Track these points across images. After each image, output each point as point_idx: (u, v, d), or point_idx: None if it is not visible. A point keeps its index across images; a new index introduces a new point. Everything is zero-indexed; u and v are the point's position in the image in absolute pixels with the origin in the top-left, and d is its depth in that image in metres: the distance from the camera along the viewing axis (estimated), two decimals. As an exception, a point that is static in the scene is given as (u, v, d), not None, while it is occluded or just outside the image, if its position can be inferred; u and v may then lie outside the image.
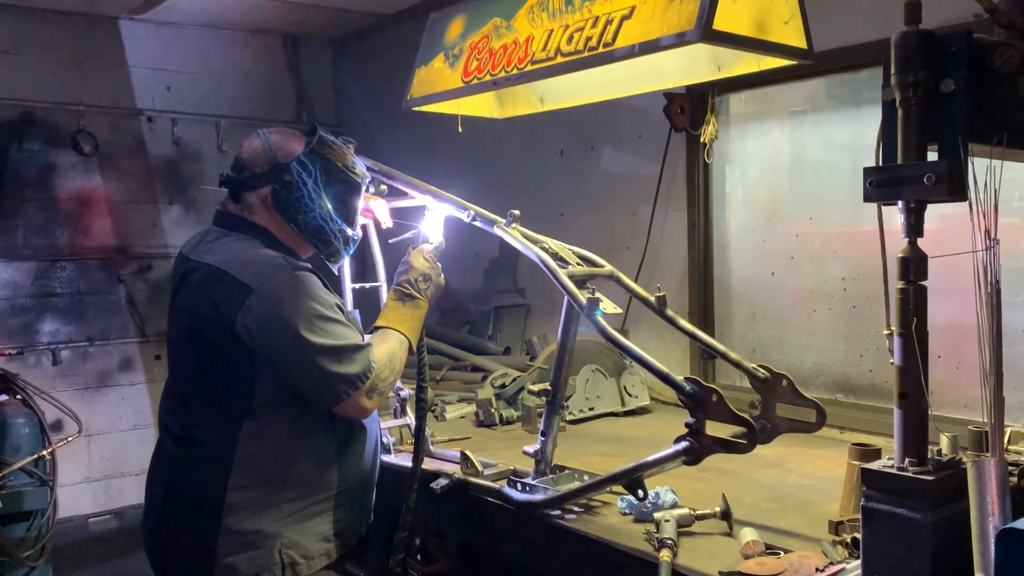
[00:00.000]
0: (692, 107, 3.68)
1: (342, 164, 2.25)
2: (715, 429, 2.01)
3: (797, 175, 3.48)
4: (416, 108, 3.09)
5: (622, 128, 4.09)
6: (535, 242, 2.50)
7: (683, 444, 2.01)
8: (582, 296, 2.23)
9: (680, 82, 2.72)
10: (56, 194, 5.19)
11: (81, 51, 5.24)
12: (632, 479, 2.12)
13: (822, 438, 2.98)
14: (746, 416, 1.93)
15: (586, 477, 2.50)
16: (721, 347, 2.33)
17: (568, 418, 3.51)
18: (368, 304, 3.02)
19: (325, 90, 6.21)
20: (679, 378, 2.01)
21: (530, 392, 2.52)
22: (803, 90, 3.42)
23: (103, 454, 5.34)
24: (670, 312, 2.40)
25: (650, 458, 2.09)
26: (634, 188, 4.05)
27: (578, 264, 2.45)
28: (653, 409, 3.78)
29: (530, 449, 2.51)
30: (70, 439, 4.32)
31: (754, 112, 3.60)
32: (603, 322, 2.17)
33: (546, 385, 2.50)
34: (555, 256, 2.44)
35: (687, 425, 2.00)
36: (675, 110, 3.66)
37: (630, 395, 3.77)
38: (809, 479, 2.70)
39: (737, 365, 2.29)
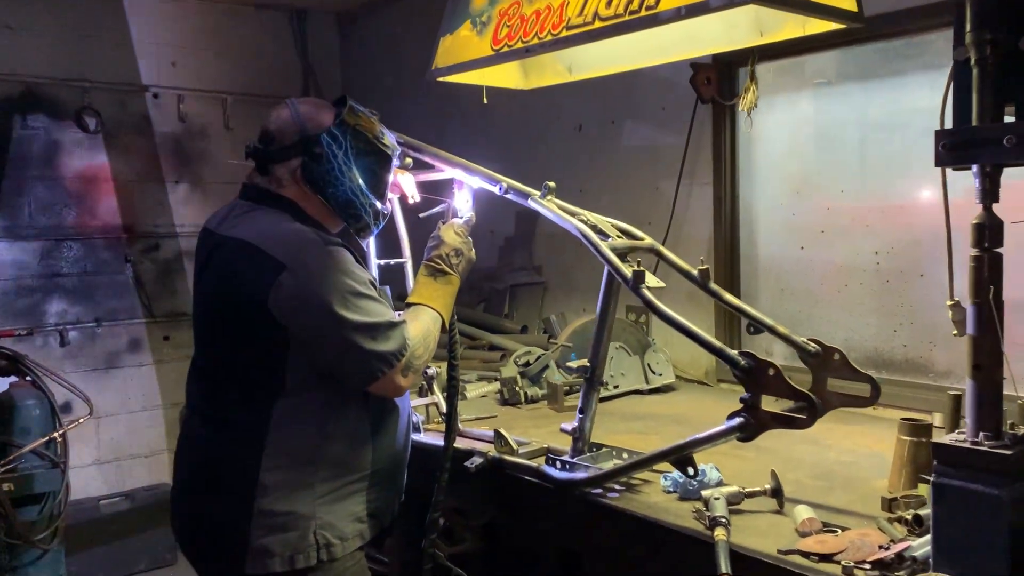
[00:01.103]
0: (719, 77, 3.60)
1: (372, 135, 2.19)
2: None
3: (828, 147, 3.40)
4: (441, 79, 3.00)
5: (644, 100, 4.00)
6: (572, 215, 2.43)
7: (738, 420, 1.94)
8: (627, 269, 2.15)
9: (718, 48, 2.64)
10: (61, 172, 5.09)
11: (84, 25, 5.12)
12: (682, 456, 2.05)
13: (856, 414, 2.93)
14: (804, 391, 1.86)
15: (625, 455, 2.44)
16: (768, 320, 2.26)
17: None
18: (394, 281, 2.96)
19: (332, 66, 6.10)
20: (733, 352, 1.94)
21: (567, 369, 2.45)
22: (834, 59, 3.33)
23: (113, 436, 5.27)
24: (714, 286, 2.33)
25: (702, 434, 2.03)
26: (657, 162, 3.97)
27: (618, 236, 2.37)
28: (678, 387, 3.72)
29: (568, 427, 2.44)
30: (81, 420, 4.26)
31: (782, 83, 3.51)
32: (651, 295, 2.10)
33: (584, 362, 2.43)
34: (594, 228, 2.36)
35: (742, 400, 1.93)
36: (702, 80, 3.58)
37: (654, 373, 3.70)
38: (849, 455, 2.65)
39: (786, 339, 2.23)
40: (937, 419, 2.74)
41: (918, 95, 3.05)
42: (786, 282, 3.57)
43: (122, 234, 5.31)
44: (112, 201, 5.28)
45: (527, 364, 3.52)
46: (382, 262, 2.99)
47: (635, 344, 3.78)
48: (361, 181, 2.16)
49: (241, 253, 1.99)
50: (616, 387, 3.58)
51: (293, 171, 2.11)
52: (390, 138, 2.28)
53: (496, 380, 3.79)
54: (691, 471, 2.06)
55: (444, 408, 2.96)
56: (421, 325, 2.17)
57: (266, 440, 1.98)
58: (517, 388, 3.40)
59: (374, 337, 1.97)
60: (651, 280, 2.17)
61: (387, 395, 2.11)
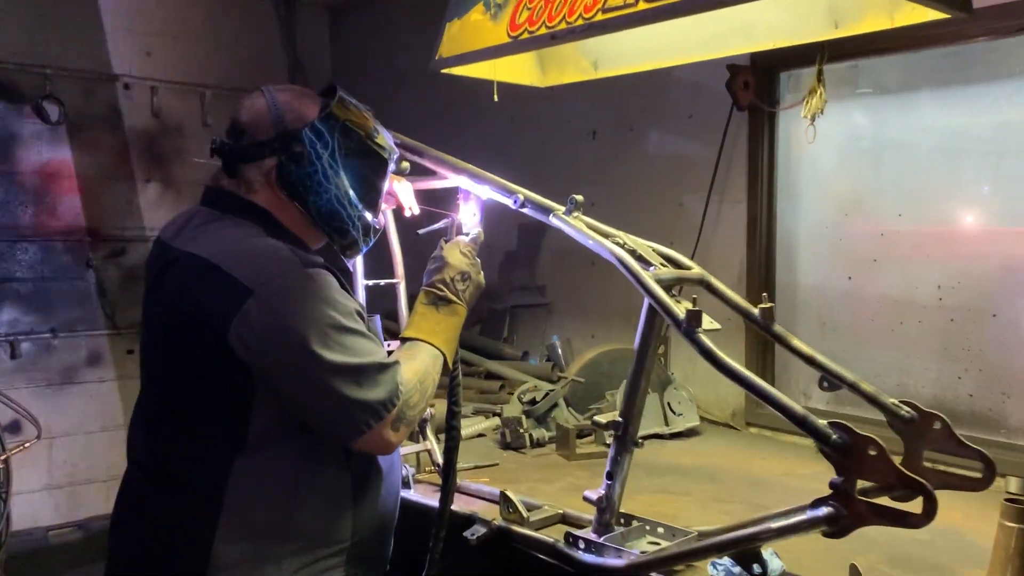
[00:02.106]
0: (758, 82, 3.18)
1: (365, 133, 1.79)
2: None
3: (884, 164, 2.99)
4: (445, 71, 2.57)
5: (669, 106, 3.58)
6: (606, 236, 2.00)
7: (825, 510, 1.51)
8: (678, 308, 1.72)
9: (780, 43, 2.22)
10: (17, 167, 4.62)
11: (48, 7, 4.66)
12: (747, 550, 1.61)
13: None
14: (919, 479, 1.42)
15: (660, 530, 2.01)
16: (849, 374, 1.83)
17: (609, 442, 3.00)
18: (384, 307, 2.53)
19: (321, 61, 5.65)
20: (821, 423, 1.51)
21: (595, 423, 2.01)
22: (892, 64, 2.92)
23: (67, 459, 4.78)
24: (778, 329, 1.90)
25: (774, 523, 1.60)
26: (681, 175, 3.55)
27: (662, 265, 1.94)
28: (702, 430, 3.29)
29: (592, 495, 2.00)
30: (27, 445, 3.81)
31: (832, 91, 3.10)
32: (709, 342, 1.66)
33: (615, 415, 1.99)
34: (633, 254, 1.93)
35: (833, 486, 1.50)
36: (739, 85, 3.16)
37: (675, 413, 3.28)
38: (925, 532, 2.21)
39: (872, 400, 1.80)
40: (1013, 484, 2.35)
41: (996, 108, 2.64)
42: (829, 316, 3.15)
43: (85, 236, 4.83)
44: (75, 200, 4.81)
45: (532, 402, 3.09)
46: (371, 283, 2.56)
47: (654, 380, 3.34)
48: (350, 188, 1.77)
49: (198, 273, 1.61)
50: (593, 416, 3.13)
51: (267, 173, 1.72)
52: (386, 138, 1.87)
53: (494, 415, 3.35)
54: (757, 568, 1.63)
55: (438, 458, 2.53)
56: (417, 366, 1.76)
57: (223, 504, 1.60)
58: (521, 431, 2.96)
59: (359, 382, 1.58)
60: (706, 321, 1.74)
61: (374, 452, 1.73)
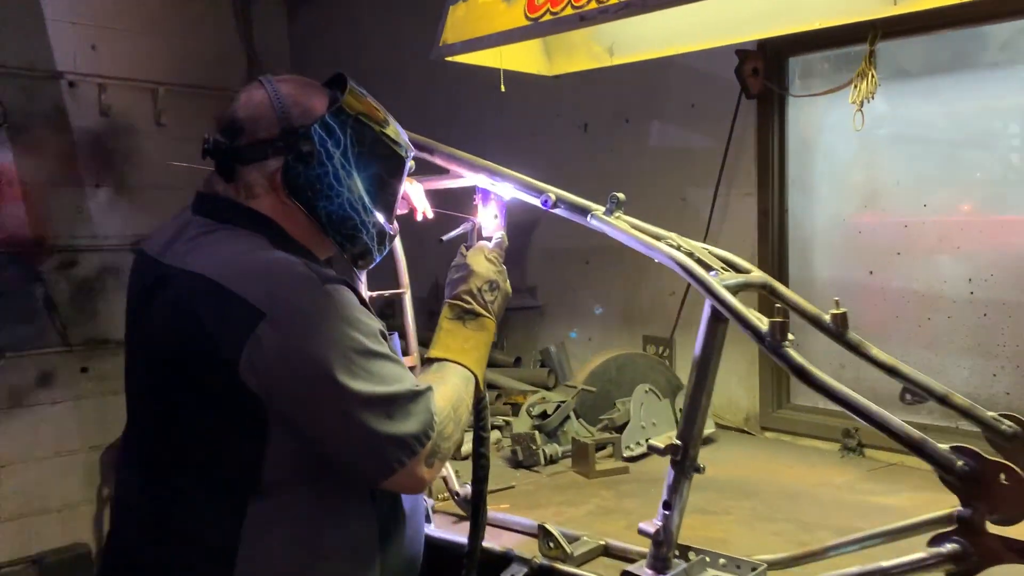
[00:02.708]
0: (767, 68, 3.01)
1: (380, 129, 1.57)
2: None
3: (906, 152, 2.84)
4: (451, 59, 2.33)
5: (669, 95, 3.39)
6: (656, 238, 1.79)
7: (949, 546, 1.33)
8: (760, 320, 1.52)
9: (828, 21, 2.04)
10: (-47, 173, 4.23)
11: (-19, -2, 4.28)
12: (854, 594, 1.43)
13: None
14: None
15: (722, 561, 1.81)
16: (939, 387, 1.65)
17: (626, 454, 2.81)
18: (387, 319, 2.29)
19: (280, 54, 5.33)
20: (943, 448, 1.33)
21: (652, 448, 1.80)
22: (913, 47, 2.76)
23: (17, 488, 4.40)
24: (853, 336, 1.72)
25: (887, 563, 1.40)
26: (684, 168, 3.36)
27: (723, 269, 1.74)
28: (717, 437, 3.11)
29: (649, 527, 1.79)
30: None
31: (845, 77, 2.94)
32: (799, 358, 1.47)
33: (671, 437, 1.79)
34: (691, 258, 1.73)
35: (959, 518, 1.32)
36: (748, 71, 2.98)
37: (688, 420, 3.08)
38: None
39: (966, 414, 1.63)
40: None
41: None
42: (850, 314, 2.95)
43: (31, 247, 4.45)
44: (18, 208, 4.42)
45: (543, 415, 2.87)
46: (374, 294, 2.31)
47: (664, 385, 3.16)
48: (364, 191, 1.56)
49: (199, 294, 1.38)
50: (648, 440, 2.94)
51: (270, 176, 1.50)
52: (400, 132, 1.65)
53: (494, 428, 3.13)
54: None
55: (456, 485, 2.30)
56: (450, 391, 1.56)
57: (236, 559, 1.38)
58: (534, 447, 2.74)
59: (390, 414, 1.38)
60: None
61: (405, 491, 1.53)
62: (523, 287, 4.02)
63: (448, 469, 2.33)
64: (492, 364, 3.81)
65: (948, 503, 2.37)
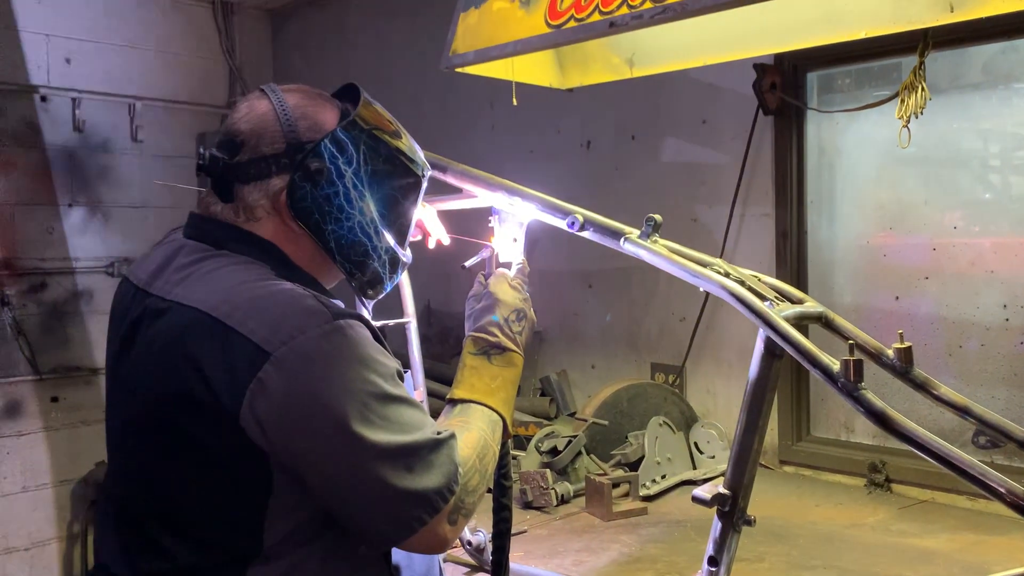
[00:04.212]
0: (785, 82, 2.87)
1: (395, 146, 1.40)
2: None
3: (934, 171, 2.70)
4: (461, 70, 2.16)
5: (678, 112, 3.24)
6: (701, 264, 1.62)
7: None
8: (831, 359, 1.35)
9: (875, 30, 1.88)
10: (-83, 192, 4.00)
11: (-50, 8, 4.07)
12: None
13: (991, 516, 2.25)
14: None
15: (773, 624, 1.63)
16: (1019, 430, 1.49)
17: (643, 493, 2.63)
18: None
19: (263, 68, 5.15)
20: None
21: (697, 499, 1.62)
22: (941, 61, 2.63)
23: (-17, 526, 4.16)
24: (919, 373, 1.55)
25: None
26: (695, 187, 3.21)
27: (777, 299, 1.57)
28: (734, 472, 2.93)
29: (694, 586, 1.61)
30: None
31: (868, 92, 2.82)
32: (879, 402, 1.30)
33: (718, 486, 1.61)
34: (743, 286, 1.56)
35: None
36: (767, 86, 2.84)
37: (702, 454, 2.93)
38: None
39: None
40: None
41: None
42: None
43: (-2, 270, 4.23)
44: (-15, 229, 4.20)
45: (554, 451, 2.68)
46: (378, 324, 2.12)
47: (678, 417, 2.99)
48: (376, 214, 1.39)
49: (194, 331, 1.21)
50: (663, 477, 2.77)
51: (274, 196, 1.32)
52: (416, 149, 1.47)
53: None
54: None
55: (466, 534, 2.11)
56: (475, 438, 1.38)
57: None
58: (545, 487, 2.55)
59: (410, 467, 1.20)
60: (856, 372, 1.37)
61: (425, 552, 1.33)
62: (522, 312, 3.84)
63: (459, 516, 2.14)
64: (490, 393, 3.63)
65: (994, 547, 2.23)
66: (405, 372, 1.73)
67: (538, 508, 2.57)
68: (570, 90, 2.47)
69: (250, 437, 1.15)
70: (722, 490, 1.60)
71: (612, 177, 3.46)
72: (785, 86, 2.87)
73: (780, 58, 2.86)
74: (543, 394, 3.61)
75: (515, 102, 2.28)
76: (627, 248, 1.68)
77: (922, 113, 2.05)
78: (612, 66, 2.30)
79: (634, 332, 3.43)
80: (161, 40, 4.75)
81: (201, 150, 1.37)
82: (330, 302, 1.25)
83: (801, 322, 1.56)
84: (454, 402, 1.46)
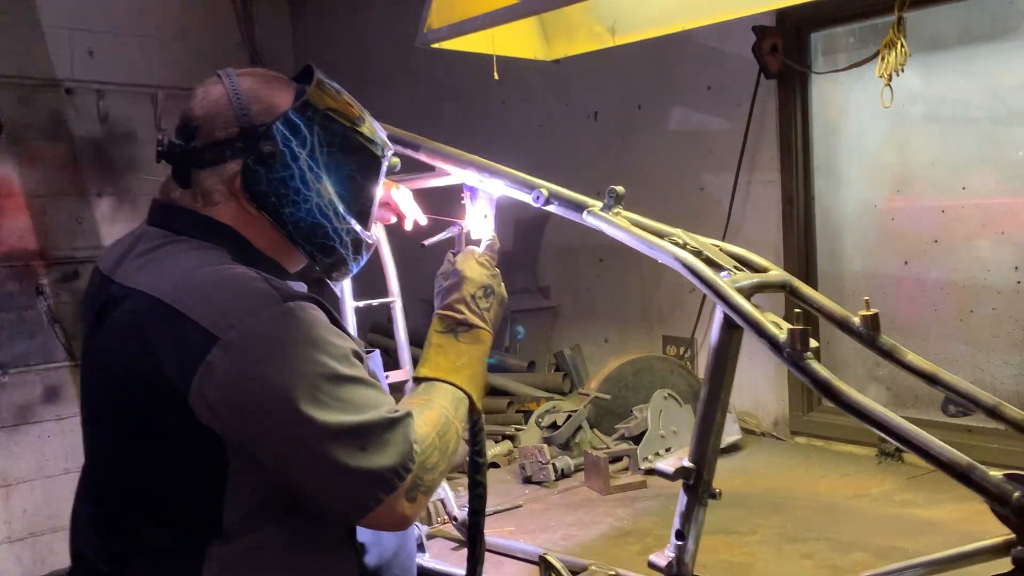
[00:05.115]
0: (787, 44, 2.79)
1: (351, 125, 1.39)
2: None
3: (941, 130, 2.60)
4: (436, 45, 2.14)
5: (683, 78, 3.18)
6: (659, 235, 1.59)
7: (1007, 593, 1.11)
8: (777, 328, 1.32)
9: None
10: (-51, 187, 4.14)
11: (-26, 5, 4.18)
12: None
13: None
14: None
15: (745, 597, 1.61)
16: (988, 397, 1.43)
17: (644, 467, 2.61)
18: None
19: (284, 54, 5.19)
20: (995, 475, 1.12)
21: (659, 472, 1.61)
22: (948, 15, 2.53)
23: (27, 507, 4.31)
24: (886, 340, 1.51)
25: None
26: (701, 156, 3.15)
27: (736, 269, 1.53)
28: (744, 443, 2.90)
29: (660, 560, 1.60)
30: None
31: (871, 51, 2.71)
32: (824, 372, 1.27)
33: (683, 458, 1.59)
34: (699, 256, 1.53)
35: (1017, 560, 1.11)
36: (766, 49, 2.77)
37: (712, 426, 2.87)
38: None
39: (1020, 427, 1.41)
40: None
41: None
42: (884, 308, 2.68)
43: (32, 260, 4.35)
44: (18, 220, 4.33)
45: (554, 426, 2.68)
46: (361, 304, 2.14)
47: (685, 389, 2.96)
48: (335, 195, 1.38)
49: (148, 316, 1.23)
50: (667, 450, 2.74)
51: (229, 181, 1.33)
52: (377, 130, 1.45)
53: (504, 438, 2.96)
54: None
55: (455, 509, 2.12)
56: (436, 416, 1.36)
57: None
58: (544, 462, 2.55)
59: (364, 446, 1.20)
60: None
61: (385, 530, 1.34)
62: (535, 288, 3.83)
63: (447, 491, 2.15)
64: (504, 369, 3.63)
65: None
66: (371, 352, 1.75)
67: (537, 483, 2.57)
68: (556, 61, 2.43)
69: (201, 419, 1.17)
70: (686, 463, 1.57)
71: (619, 147, 3.42)
72: (787, 48, 2.79)
73: (782, 19, 2.78)
74: (557, 369, 3.61)
75: (496, 76, 2.26)
76: (589, 220, 1.66)
77: (903, 70, 1.96)
78: (594, 34, 2.26)
79: (646, 305, 3.39)
80: (181, 29, 4.81)
81: (160, 136, 1.39)
82: (283, 285, 1.26)
83: (761, 291, 1.52)
84: (418, 381, 1.46)
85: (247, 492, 1.22)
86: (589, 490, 2.51)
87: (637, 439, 2.72)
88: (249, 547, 1.23)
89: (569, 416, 2.66)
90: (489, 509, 2.32)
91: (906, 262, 2.69)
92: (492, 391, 3.47)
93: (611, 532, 2.19)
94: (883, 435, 1.21)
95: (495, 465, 2.81)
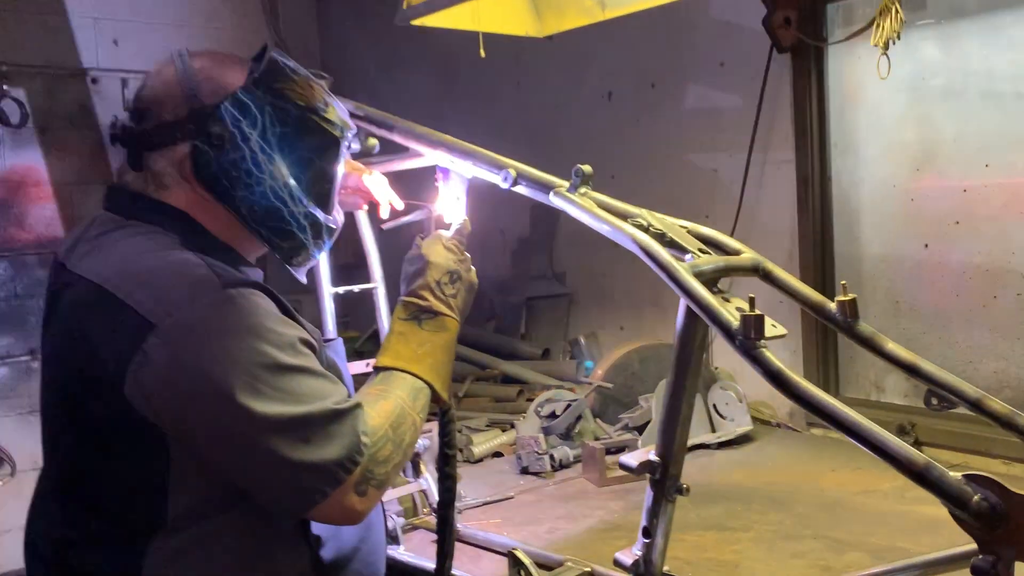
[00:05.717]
0: (801, 16, 2.65)
1: (306, 104, 1.35)
2: None
3: (964, 105, 2.45)
4: (415, 22, 2.08)
5: (696, 56, 3.06)
6: (623, 217, 1.51)
7: (967, 607, 1.01)
8: (727, 311, 1.23)
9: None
10: (-26, 176, 4.21)
11: (-2, -5, 4.23)
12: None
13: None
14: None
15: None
16: (972, 389, 1.32)
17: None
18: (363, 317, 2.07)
19: (309, 38, 5.17)
20: (953, 477, 1.02)
21: (623, 466, 1.53)
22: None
23: (58, 490, 4.40)
24: (864, 328, 1.40)
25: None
26: (714, 136, 3.04)
27: (701, 252, 1.44)
28: (756, 435, 2.79)
29: (626, 558, 1.52)
30: (2, 482, 3.44)
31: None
32: (774, 360, 1.17)
33: (649, 453, 1.51)
34: (661, 238, 1.44)
35: (976, 570, 1.00)
36: (779, 21, 2.64)
37: (723, 417, 2.78)
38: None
39: (1006, 424, 1.29)
40: None
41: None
42: (902, 293, 2.62)
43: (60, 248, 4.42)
44: (46, 208, 4.39)
45: (552, 416, 2.60)
46: (341, 290, 2.09)
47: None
48: (290, 177, 1.33)
49: (88, 304, 1.21)
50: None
51: (179, 163, 1.30)
52: (338, 110, 1.40)
53: (513, 427, 2.89)
54: None
55: (434, 497, 2.06)
56: (390, 407, 1.29)
57: None
58: (540, 452, 2.47)
59: (307, 439, 1.16)
60: (769, 327, 1.24)
61: (337, 523, 1.29)
62: (551, 274, 3.75)
63: (430, 482, 2.09)
64: (517, 356, 3.56)
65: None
66: (334, 340, 1.70)
67: (534, 473, 2.50)
68: (549, 38, 2.34)
69: (137, 410, 1.14)
70: (652, 457, 1.49)
71: (634, 128, 3.31)
72: (801, 20, 2.65)
73: (797, -9, 2.65)
74: (572, 357, 3.53)
75: (482, 54, 2.18)
76: (554, 202, 1.58)
77: (899, 39, 1.83)
78: (585, 9, 2.18)
79: (659, 291, 3.29)
80: (205, 16, 4.82)
81: (114, 118, 1.37)
82: (226, 271, 1.22)
83: (727, 275, 1.42)
84: (377, 370, 1.40)
85: (191, 483, 1.19)
86: (586, 482, 2.44)
87: (641, 429, 2.63)
88: (196, 538, 1.20)
89: (568, 405, 2.58)
90: (477, 501, 2.28)
91: (926, 245, 2.55)
92: (503, 379, 3.41)
93: (600, 526, 2.11)
94: (836, 429, 1.11)
95: (498, 454, 2.75)
